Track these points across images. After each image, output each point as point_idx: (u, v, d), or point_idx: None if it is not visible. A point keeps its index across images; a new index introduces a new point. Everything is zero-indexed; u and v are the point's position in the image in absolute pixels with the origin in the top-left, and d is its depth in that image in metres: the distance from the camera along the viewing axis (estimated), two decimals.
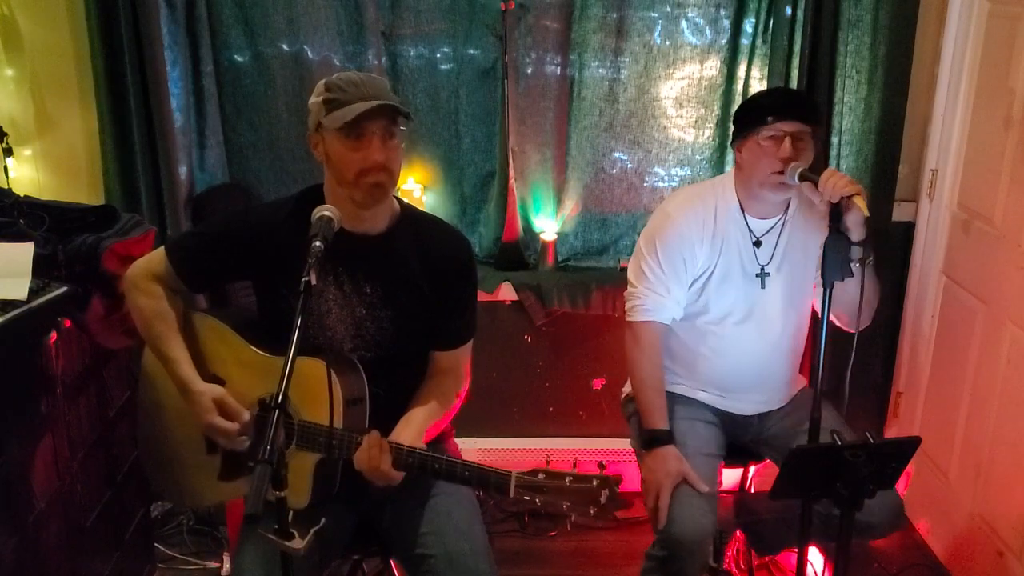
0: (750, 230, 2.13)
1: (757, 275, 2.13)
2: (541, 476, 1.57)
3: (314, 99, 1.72)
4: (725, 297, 2.14)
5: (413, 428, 1.76)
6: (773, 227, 2.14)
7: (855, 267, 1.89)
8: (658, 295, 2.12)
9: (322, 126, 1.69)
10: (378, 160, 1.67)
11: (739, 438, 2.26)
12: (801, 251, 2.14)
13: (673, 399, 2.19)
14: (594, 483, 1.55)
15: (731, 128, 2.85)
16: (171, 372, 1.82)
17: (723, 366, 2.19)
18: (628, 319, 2.17)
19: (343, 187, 1.70)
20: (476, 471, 1.63)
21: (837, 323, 2.10)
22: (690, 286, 2.14)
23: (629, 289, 2.18)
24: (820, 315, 1.91)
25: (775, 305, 2.15)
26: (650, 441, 2.06)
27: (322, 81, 1.73)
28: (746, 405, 2.23)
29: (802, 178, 1.97)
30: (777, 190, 2.05)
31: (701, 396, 2.23)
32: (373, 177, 1.68)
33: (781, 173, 2.00)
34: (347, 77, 1.70)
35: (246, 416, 1.77)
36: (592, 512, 1.55)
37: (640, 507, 2.76)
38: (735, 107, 2.86)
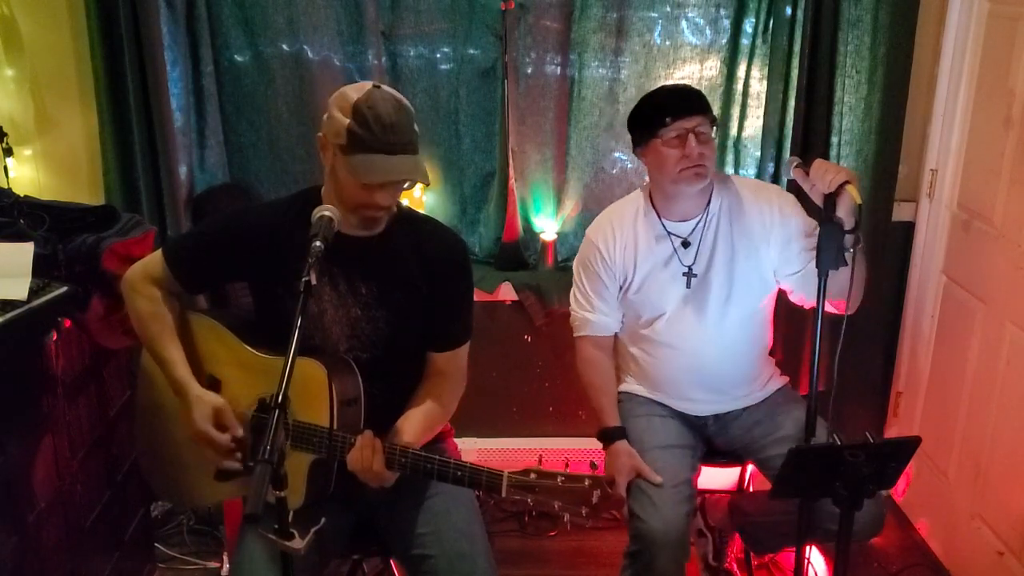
0: (670, 234, 2.15)
1: (684, 275, 2.15)
2: (533, 476, 1.57)
3: (338, 115, 1.63)
4: (650, 302, 2.17)
5: (409, 429, 1.76)
6: (696, 227, 2.15)
7: (848, 255, 1.89)
8: (585, 312, 2.24)
9: (339, 145, 1.65)
10: (383, 205, 1.68)
11: (710, 441, 2.27)
12: (733, 249, 2.13)
13: (630, 399, 2.26)
14: (586, 483, 1.55)
15: (733, 123, 2.89)
16: (167, 374, 1.82)
17: (659, 367, 2.22)
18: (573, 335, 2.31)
19: (340, 203, 1.70)
20: (468, 471, 1.63)
21: (829, 308, 2.06)
22: (618, 294, 2.21)
23: (570, 308, 2.31)
24: (816, 306, 1.90)
25: (705, 305, 2.15)
26: (604, 439, 2.15)
27: (353, 98, 1.62)
28: (692, 406, 2.24)
29: (795, 170, 1.99)
30: (692, 181, 2.05)
31: (652, 396, 2.26)
32: (372, 213, 1.70)
33: (690, 168, 2.01)
34: (376, 112, 1.61)
35: (240, 432, 1.77)
36: (584, 512, 1.55)
37: None
38: (736, 107, 2.89)
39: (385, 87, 1.67)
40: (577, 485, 1.55)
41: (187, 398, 1.78)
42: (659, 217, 2.16)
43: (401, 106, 1.65)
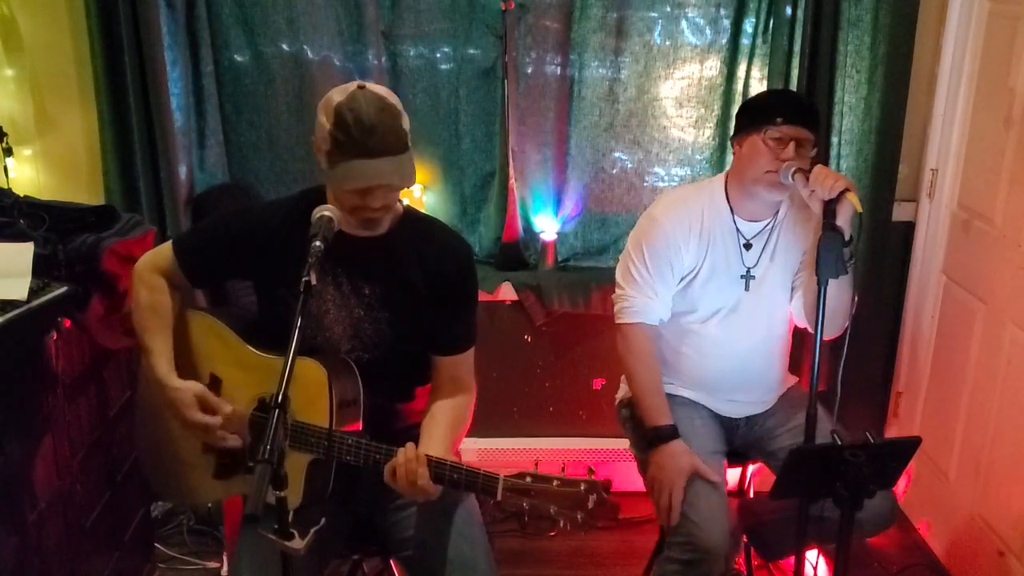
0: (739, 231, 2.14)
1: (742, 277, 2.14)
2: (528, 479, 1.56)
3: (323, 120, 1.62)
4: (709, 297, 2.14)
5: (438, 440, 1.74)
6: (763, 230, 2.14)
7: (848, 265, 1.89)
8: (646, 297, 2.14)
9: (325, 150, 1.63)
10: (376, 207, 1.66)
11: (730, 441, 2.27)
12: (787, 255, 2.14)
13: (669, 400, 2.20)
14: (582, 487, 1.54)
15: (732, 123, 2.87)
16: (148, 363, 1.81)
17: (705, 366, 2.20)
18: (617, 321, 2.18)
19: (338, 205, 1.70)
20: (464, 473, 1.62)
21: (809, 328, 2.08)
22: (678, 283, 2.15)
23: (617, 291, 2.19)
24: (816, 315, 1.89)
25: (758, 307, 2.15)
26: (656, 438, 2.06)
27: (336, 101, 1.61)
28: (730, 407, 2.23)
29: (795, 174, 1.98)
30: (771, 189, 2.05)
31: (691, 396, 2.24)
32: (368, 215, 1.69)
33: (775, 173, 2.00)
34: (356, 115, 1.58)
35: (227, 408, 1.76)
36: (579, 517, 1.54)
37: (640, 507, 2.77)
38: (735, 107, 2.88)
39: (371, 87, 1.64)
40: (573, 489, 1.54)
41: (165, 390, 1.77)
42: (731, 212, 2.14)
43: (384, 106, 1.61)
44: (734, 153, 2.14)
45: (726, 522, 1.96)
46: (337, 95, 1.63)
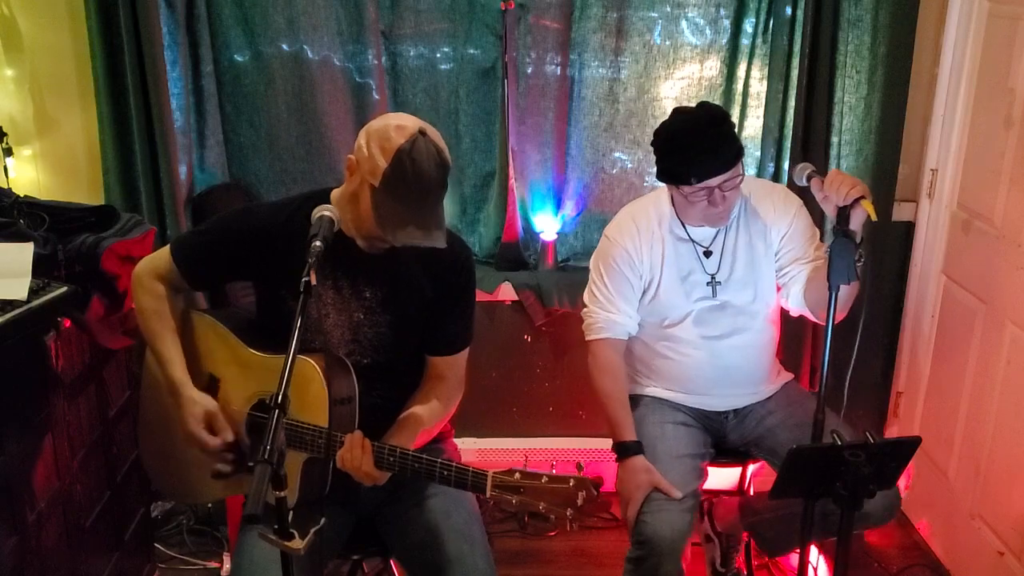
0: (694, 241, 2.15)
1: (708, 284, 2.15)
2: (517, 476, 1.57)
3: (377, 154, 1.59)
4: (677, 305, 2.16)
5: (405, 430, 1.76)
6: (717, 235, 2.15)
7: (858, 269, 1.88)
8: (608, 313, 2.18)
9: (371, 184, 1.61)
10: (393, 244, 1.68)
11: (724, 437, 2.27)
12: (753, 252, 2.14)
13: (641, 402, 2.23)
14: (571, 484, 1.54)
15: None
16: (163, 372, 1.83)
17: (684, 364, 2.20)
18: (586, 339, 2.23)
19: (353, 225, 1.70)
20: (455, 471, 1.63)
21: (810, 317, 2.12)
22: (641, 297, 2.18)
23: (583, 311, 2.25)
24: (827, 318, 1.88)
25: (733, 308, 2.15)
26: (620, 453, 2.10)
27: (396, 142, 1.58)
28: (714, 401, 2.24)
29: (810, 178, 1.97)
30: (715, 224, 2.09)
31: (669, 396, 2.24)
32: (380, 244, 1.70)
33: (714, 217, 2.04)
34: (417, 168, 1.57)
35: (229, 438, 1.79)
36: (569, 514, 1.54)
37: None
38: (736, 107, 2.88)
39: (431, 133, 1.62)
40: (562, 486, 1.55)
41: (180, 398, 1.80)
42: (682, 224, 2.15)
43: (442, 161, 1.62)
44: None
45: (680, 522, 1.96)
46: (397, 135, 1.59)
